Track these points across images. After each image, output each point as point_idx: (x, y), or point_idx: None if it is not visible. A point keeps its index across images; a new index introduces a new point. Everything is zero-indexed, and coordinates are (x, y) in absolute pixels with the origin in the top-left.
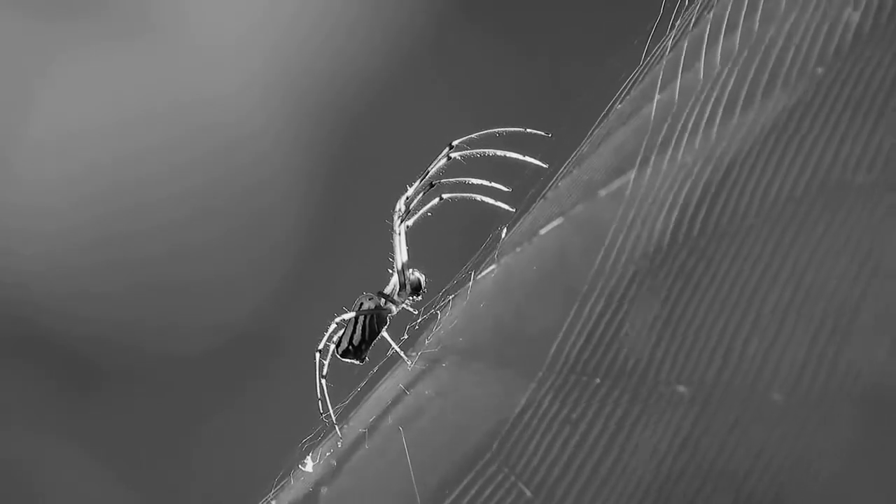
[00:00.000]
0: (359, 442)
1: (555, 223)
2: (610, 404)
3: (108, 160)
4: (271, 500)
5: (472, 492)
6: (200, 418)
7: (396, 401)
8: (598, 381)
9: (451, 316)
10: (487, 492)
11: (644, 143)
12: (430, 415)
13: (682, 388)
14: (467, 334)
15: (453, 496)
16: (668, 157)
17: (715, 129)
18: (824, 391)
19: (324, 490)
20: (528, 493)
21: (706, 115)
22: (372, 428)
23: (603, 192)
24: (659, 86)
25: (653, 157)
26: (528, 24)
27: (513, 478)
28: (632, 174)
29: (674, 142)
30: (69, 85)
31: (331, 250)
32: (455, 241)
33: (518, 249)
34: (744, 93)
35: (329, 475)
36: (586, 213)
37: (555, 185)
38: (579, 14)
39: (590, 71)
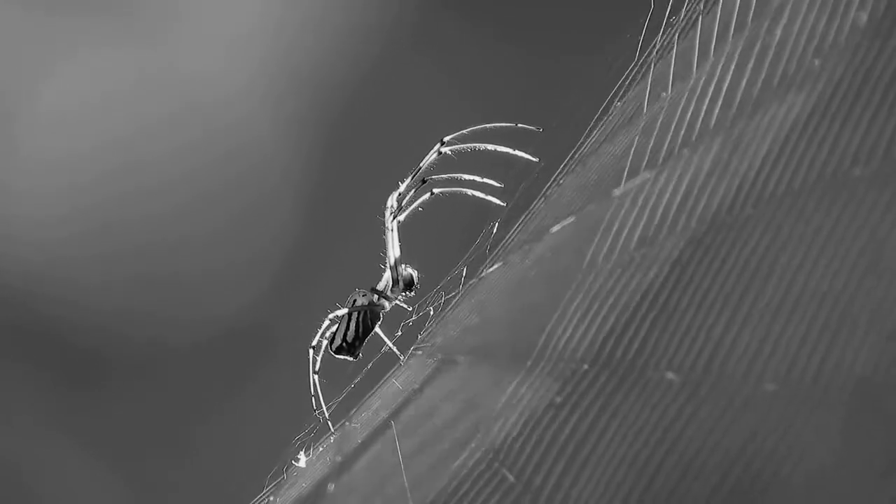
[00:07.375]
0: (367, 442)
1: (566, 222)
2: (595, 388)
3: (106, 147)
4: (268, 497)
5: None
6: (197, 411)
7: (407, 401)
8: (585, 367)
9: (457, 313)
10: (472, 479)
11: (656, 145)
12: (440, 417)
13: (671, 375)
14: (480, 333)
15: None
16: (681, 159)
17: (722, 131)
18: (815, 383)
19: (331, 487)
20: (511, 479)
21: (714, 117)
22: (383, 427)
23: (616, 192)
24: (671, 83)
25: (663, 159)
26: (521, 19)
27: (496, 464)
28: (647, 175)
29: (686, 144)
30: (69, 77)
31: (326, 244)
32: (447, 237)
33: (527, 247)
34: (754, 91)
35: (336, 472)
36: (598, 212)
37: (556, 182)
38: (571, 8)
39: (581, 65)
